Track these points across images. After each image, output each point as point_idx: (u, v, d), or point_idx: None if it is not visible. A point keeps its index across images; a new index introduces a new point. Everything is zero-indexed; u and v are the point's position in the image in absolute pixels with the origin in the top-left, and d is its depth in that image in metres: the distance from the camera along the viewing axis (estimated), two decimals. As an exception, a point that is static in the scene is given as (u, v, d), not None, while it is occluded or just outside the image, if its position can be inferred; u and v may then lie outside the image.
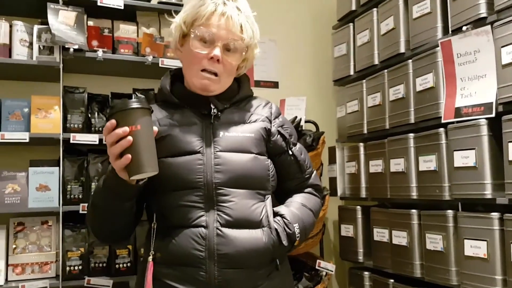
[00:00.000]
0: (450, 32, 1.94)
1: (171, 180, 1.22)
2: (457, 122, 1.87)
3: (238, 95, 1.38)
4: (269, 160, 1.32)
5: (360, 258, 2.47)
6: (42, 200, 2.15)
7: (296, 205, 1.35)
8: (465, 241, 1.81)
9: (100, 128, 2.35)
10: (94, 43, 2.27)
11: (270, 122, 1.37)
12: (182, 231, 1.20)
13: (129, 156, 1.07)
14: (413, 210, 2.08)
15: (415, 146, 2.10)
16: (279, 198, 1.40)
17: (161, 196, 1.25)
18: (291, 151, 1.37)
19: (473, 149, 1.77)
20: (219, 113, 1.31)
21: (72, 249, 2.17)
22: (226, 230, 1.20)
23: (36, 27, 2.23)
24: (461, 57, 1.86)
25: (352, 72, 2.62)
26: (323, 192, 1.48)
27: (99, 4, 2.30)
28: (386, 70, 2.33)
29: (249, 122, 1.33)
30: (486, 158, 1.73)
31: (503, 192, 1.71)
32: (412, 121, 2.13)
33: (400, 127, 2.21)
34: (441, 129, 1.94)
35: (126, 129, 1.07)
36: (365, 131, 2.47)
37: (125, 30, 2.40)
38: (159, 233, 1.24)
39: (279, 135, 1.36)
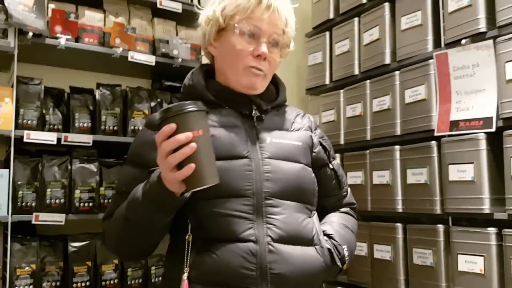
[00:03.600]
0: (443, 45, 1.94)
1: (215, 186, 1.04)
2: (449, 135, 1.86)
3: (279, 99, 1.26)
4: (313, 174, 1.21)
5: (333, 273, 2.39)
6: (-14, 207, 1.82)
7: (339, 225, 1.24)
8: (459, 256, 1.78)
9: (56, 126, 2.07)
10: (58, 28, 1.99)
11: (312, 132, 1.27)
12: (226, 246, 1.04)
13: (193, 165, 0.92)
14: (398, 224, 2.04)
15: (401, 158, 2.06)
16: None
17: (200, 204, 1.07)
18: (332, 165, 1.28)
19: (471, 163, 1.75)
20: (262, 115, 1.18)
21: (22, 266, 1.85)
22: (279, 246, 1.06)
23: (-14, 5, 1.91)
24: (458, 71, 1.85)
25: (328, 81, 2.55)
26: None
27: (63, -15, 2.03)
28: (368, 81, 2.28)
29: (293, 130, 1.22)
30: (484, 173, 1.72)
31: (499, 207, 1.71)
32: (398, 133, 2.09)
33: (383, 138, 2.17)
34: (433, 142, 1.91)
35: (189, 134, 0.92)
36: (342, 142, 2.41)
37: (91, 17, 2.15)
38: (194, 247, 1.06)
39: (320, 147, 1.26)
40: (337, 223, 1.25)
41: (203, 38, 1.25)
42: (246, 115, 1.18)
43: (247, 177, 1.08)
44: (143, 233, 1.07)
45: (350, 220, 1.31)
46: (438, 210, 1.88)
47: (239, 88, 1.18)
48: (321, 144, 1.27)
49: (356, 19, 2.40)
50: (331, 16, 2.56)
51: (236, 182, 1.08)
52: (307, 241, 1.11)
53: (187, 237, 1.06)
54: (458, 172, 1.80)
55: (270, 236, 1.06)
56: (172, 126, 0.93)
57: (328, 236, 1.18)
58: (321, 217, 1.26)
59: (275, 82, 1.31)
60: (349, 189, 1.37)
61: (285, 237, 1.07)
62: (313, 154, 1.23)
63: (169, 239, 1.18)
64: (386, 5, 2.22)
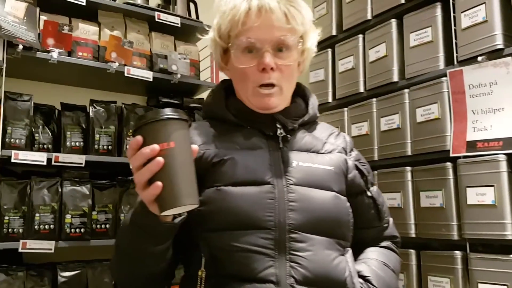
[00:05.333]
0: (456, 62, 1.86)
1: (232, 216, 0.92)
2: (465, 156, 1.77)
3: (308, 115, 1.10)
4: (348, 203, 1.05)
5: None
6: (-32, 234, 1.66)
7: (378, 265, 1.07)
8: (479, 285, 1.67)
9: (45, 146, 1.93)
10: (50, 41, 1.87)
11: (346, 154, 1.11)
12: (242, 286, 0.90)
13: (159, 184, 0.78)
14: (411, 250, 1.93)
15: (413, 180, 1.96)
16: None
17: (214, 235, 0.94)
18: (370, 192, 1.11)
19: (492, 186, 1.66)
20: (288, 135, 1.04)
21: (6, 299, 1.70)
22: None
23: (-27, 16, 1.78)
24: (474, 89, 1.78)
25: (330, 99, 2.46)
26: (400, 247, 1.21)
27: (56, -5, 1.92)
28: (374, 99, 2.20)
29: (324, 152, 1.07)
30: (506, 196, 1.63)
31: (522, 232, 1.61)
32: (409, 153, 2.00)
33: (393, 159, 2.07)
34: (448, 163, 1.82)
35: (155, 147, 0.79)
36: (347, 162, 2.30)
37: (85, 30, 2.03)
38: (207, 284, 0.92)
39: (356, 171, 1.10)
40: (375, 262, 1.08)
41: (216, 63, 1.13)
42: (270, 136, 1.04)
43: (268, 206, 0.94)
44: (134, 264, 0.93)
45: (392, 257, 1.13)
46: (455, 235, 1.78)
47: (255, 109, 1.06)
48: (357, 167, 1.10)
49: (360, 35, 2.32)
50: (334, 33, 2.48)
51: (256, 211, 0.93)
52: (338, 285, 0.96)
53: (200, 272, 0.93)
54: (477, 196, 1.70)
55: (293, 277, 0.91)
56: (138, 138, 0.80)
57: (364, 278, 1.03)
58: (357, 253, 1.10)
59: (304, 95, 1.15)
60: (391, 220, 1.20)
61: (311, 278, 0.92)
62: (348, 179, 1.07)
63: (183, 272, 1.05)
64: (393, 22, 2.15)
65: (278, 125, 1.04)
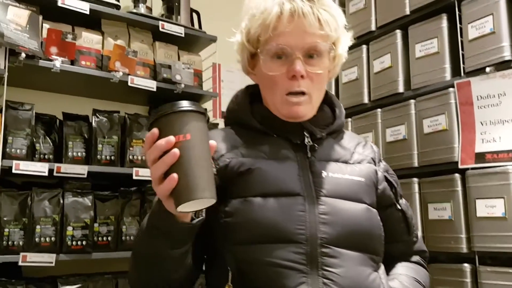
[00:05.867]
0: (463, 73, 1.86)
1: (260, 228, 0.88)
2: (473, 168, 1.75)
3: (336, 123, 1.06)
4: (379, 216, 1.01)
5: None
6: (-33, 247, 1.61)
7: (410, 281, 1.03)
8: (490, 299, 1.65)
9: (46, 156, 1.89)
10: (53, 50, 1.84)
11: (375, 165, 1.06)
12: None
13: (175, 176, 0.75)
14: (418, 263, 1.90)
15: (420, 192, 1.94)
16: None
17: (242, 248, 0.90)
18: (399, 205, 1.07)
19: (502, 198, 1.65)
20: (315, 145, 1.00)
21: (5, 314, 1.64)
22: None
23: (-26, 23, 1.75)
24: (482, 100, 1.77)
25: (334, 110, 2.45)
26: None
27: (59, 4, 1.89)
28: (379, 110, 2.18)
29: (353, 163, 1.02)
30: (516, 208, 1.61)
31: (533, 245, 1.59)
32: (416, 164, 1.98)
33: (399, 170, 2.04)
34: (457, 175, 1.81)
35: (170, 139, 0.76)
36: (352, 174, 2.28)
37: (89, 39, 2.00)
38: None
39: (386, 183, 1.05)
40: (406, 278, 1.04)
41: (242, 67, 1.09)
42: (297, 145, 1.00)
43: (299, 218, 0.90)
44: (150, 268, 0.88)
45: (423, 273, 1.09)
46: (464, 248, 1.76)
47: (283, 118, 1.02)
48: (386, 179, 1.06)
49: (364, 46, 2.31)
50: (337, 43, 2.47)
51: (286, 224, 0.89)
52: None
53: (226, 287, 0.89)
54: (486, 208, 1.68)
55: None
56: (154, 131, 0.78)
57: None
58: (386, 267, 1.05)
59: (331, 103, 1.10)
60: (419, 234, 1.16)
61: None
62: (378, 191, 1.03)
63: (206, 285, 1.01)
64: (398, 32, 2.14)
65: (305, 133, 1.00)
